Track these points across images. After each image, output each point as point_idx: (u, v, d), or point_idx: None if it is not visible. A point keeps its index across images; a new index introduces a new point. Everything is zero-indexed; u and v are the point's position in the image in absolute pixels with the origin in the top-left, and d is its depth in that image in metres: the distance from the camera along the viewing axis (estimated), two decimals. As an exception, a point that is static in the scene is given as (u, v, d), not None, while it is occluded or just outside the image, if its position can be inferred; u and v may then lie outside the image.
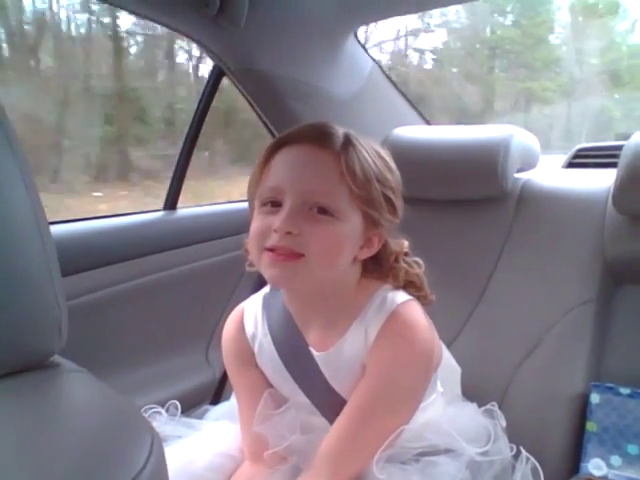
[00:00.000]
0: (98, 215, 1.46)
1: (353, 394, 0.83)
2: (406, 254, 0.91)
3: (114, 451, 0.43)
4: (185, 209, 1.52)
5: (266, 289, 0.98)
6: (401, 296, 0.86)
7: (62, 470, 0.39)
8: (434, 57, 3.31)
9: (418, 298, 0.89)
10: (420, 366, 0.83)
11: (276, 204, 0.80)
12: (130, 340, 1.36)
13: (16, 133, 0.51)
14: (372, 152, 0.84)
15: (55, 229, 1.26)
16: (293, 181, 0.80)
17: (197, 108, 1.46)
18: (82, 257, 1.26)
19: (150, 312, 1.40)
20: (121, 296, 1.34)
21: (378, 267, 0.89)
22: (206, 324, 1.50)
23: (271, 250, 0.79)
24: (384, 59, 2.91)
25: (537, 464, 0.88)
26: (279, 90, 1.48)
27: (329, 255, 0.80)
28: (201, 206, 1.60)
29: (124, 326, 1.35)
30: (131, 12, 1.27)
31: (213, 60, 1.42)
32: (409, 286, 0.90)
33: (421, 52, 3.25)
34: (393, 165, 0.87)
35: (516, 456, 0.90)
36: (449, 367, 1.03)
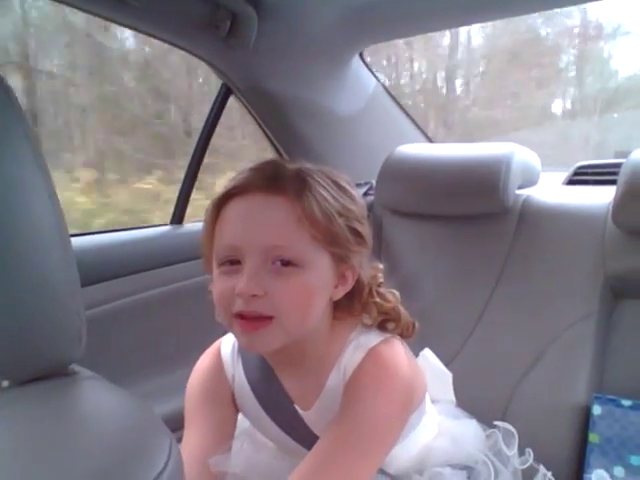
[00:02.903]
0: (105, 229, 1.48)
1: (323, 434, 0.77)
2: (380, 285, 0.86)
3: (135, 453, 0.44)
4: (192, 224, 1.54)
5: None
6: (375, 337, 0.81)
7: (85, 471, 0.40)
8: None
9: (400, 334, 0.85)
10: (395, 407, 0.78)
11: (235, 262, 0.74)
12: (133, 352, 1.36)
13: (39, 143, 0.53)
14: (330, 186, 0.77)
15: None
16: (249, 236, 0.73)
17: (205, 125, 1.49)
18: (88, 270, 1.28)
19: (155, 325, 1.41)
20: (126, 309, 1.35)
21: (350, 303, 0.83)
22: (210, 337, 1.50)
23: (240, 316, 0.73)
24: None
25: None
26: (285, 108, 1.51)
27: (300, 310, 0.74)
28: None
29: (128, 338, 1.36)
30: (143, 33, 1.30)
31: (221, 79, 1.45)
32: (386, 321, 0.85)
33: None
34: (355, 192, 0.81)
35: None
36: (439, 373, 1.01)
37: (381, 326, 0.85)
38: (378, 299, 0.84)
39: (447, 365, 1.08)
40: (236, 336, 0.77)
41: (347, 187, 0.80)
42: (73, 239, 1.33)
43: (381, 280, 0.86)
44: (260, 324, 0.73)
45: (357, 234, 0.78)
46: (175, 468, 0.45)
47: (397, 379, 0.78)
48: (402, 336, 0.85)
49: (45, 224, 0.51)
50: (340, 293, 0.80)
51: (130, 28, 1.28)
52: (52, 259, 0.52)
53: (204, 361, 0.91)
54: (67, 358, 0.54)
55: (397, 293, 0.87)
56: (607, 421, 1.02)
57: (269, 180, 0.75)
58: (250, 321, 0.73)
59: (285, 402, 0.84)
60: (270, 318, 0.73)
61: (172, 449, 0.46)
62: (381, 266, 0.87)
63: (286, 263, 0.73)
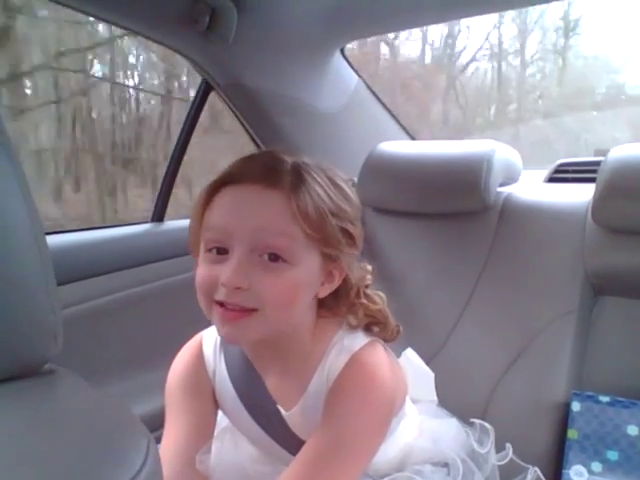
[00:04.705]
0: (86, 227, 1.47)
1: (305, 445, 0.76)
2: (367, 286, 0.84)
3: (110, 455, 0.43)
4: (172, 221, 1.53)
5: None
6: (359, 340, 0.80)
7: (58, 472, 0.39)
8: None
9: (384, 337, 0.84)
10: (378, 417, 0.77)
11: (222, 251, 0.73)
12: (118, 351, 1.35)
13: (13, 142, 0.52)
14: (326, 183, 0.75)
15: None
16: (240, 222, 0.72)
17: (185, 122, 1.48)
18: (70, 268, 1.27)
19: (138, 323, 1.40)
20: (109, 307, 1.34)
21: (336, 303, 0.82)
22: (191, 336, 1.49)
23: (221, 304, 0.72)
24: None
25: (541, 475, 0.88)
26: (266, 105, 1.50)
27: (284, 306, 0.73)
28: (189, 218, 1.61)
29: (112, 337, 1.35)
30: (123, 28, 1.28)
31: (201, 75, 1.44)
32: (372, 323, 0.84)
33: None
34: (351, 192, 0.79)
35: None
36: (422, 374, 1.00)
37: (367, 329, 0.84)
38: (365, 300, 0.83)
39: (429, 362, 1.08)
40: (215, 324, 0.76)
41: (343, 186, 0.78)
42: (53, 237, 1.33)
43: (369, 282, 0.85)
44: (241, 315, 0.72)
45: (349, 236, 0.76)
46: (152, 470, 0.44)
47: (380, 390, 0.77)
48: (385, 340, 0.84)
49: (19, 223, 0.50)
50: (326, 290, 0.79)
51: (108, 22, 1.26)
52: (27, 258, 0.50)
53: (184, 354, 0.90)
54: (42, 357, 0.53)
55: (384, 295, 0.86)
56: (586, 417, 1.03)
57: (265, 172, 0.73)
58: (231, 310, 0.72)
59: (267, 401, 0.83)
60: (252, 311, 0.72)
61: (150, 450, 0.45)
62: (370, 267, 0.86)
63: (274, 258, 0.71)
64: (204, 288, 0.73)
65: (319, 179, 0.75)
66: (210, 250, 0.74)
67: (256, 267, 0.71)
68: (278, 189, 0.72)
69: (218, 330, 0.75)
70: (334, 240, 0.74)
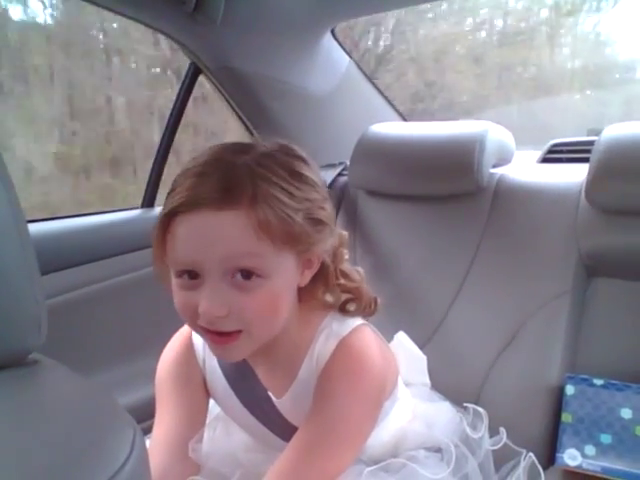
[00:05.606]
0: (76, 213, 1.45)
1: (297, 432, 0.77)
2: (344, 259, 0.83)
3: (95, 446, 0.42)
4: (164, 207, 1.51)
5: None
6: (348, 324, 0.80)
7: (40, 466, 0.38)
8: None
9: (362, 313, 0.83)
10: (368, 401, 0.78)
11: (193, 274, 0.70)
12: (109, 338, 1.35)
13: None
14: (287, 179, 0.70)
15: (33, 227, 1.25)
16: (206, 253, 0.68)
17: (174, 106, 1.46)
18: (60, 255, 1.26)
19: (129, 310, 1.40)
20: (99, 294, 1.34)
21: (314, 286, 0.80)
22: (182, 323, 1.49)
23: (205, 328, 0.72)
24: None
25: (535, 460, 0.88)
26: (256, 88, 1.48)
27: (268, 320, 0.73)
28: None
29: (102, 324, 1.34)
30: (107, 9, 1.25)
31: (189, 57, 1.42)
32: (349, 300, 0.83)
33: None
34: (314, 176, 0.75)
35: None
36: (414, 357, 1.01)
37: (342, 307, 0.83)
38: (343, 280, 0.82)
39: (423, 346, 1.08)
40: (206, 342, 0.77)
41: (305, 172, 0.73)
42: (40, 224, 1.32)
43: (346, 256, 0.83)
44: (228, 338, 0.71)
45: (319, 222, 0.73)
46: (138, 461, 0.43)
47: (369, 374, 0.77)
48: (365, 315, 0.84)
49: None
50: (307, 278, 0.78)
51: (97, 6, 1.23)
52: (7, 247, 0.49)
53: (174, 344, 0.90)
54: (25, 347, 0.52)
55: (362, 271, 0.85)
56: (579, 400, 1.02)
57: (218, 192, 0.67)
58: (217, 335, 0.72)
59: (258, 389, 0.83)
60: (237, 333, 0.71)
61: (136, 441, 0.44)
62: (345, 233, 0.83)
63: (247, 275, 0.69)
64: (186, 316, 0.73)
65: (277, 179, 0.70)
66: (181, 276, 0.71)
67: (232, 289, 0.69)
68: (235, 210, 0.68)
69: (210, 348, 0.77)
70: (304, 237, 0.72)
